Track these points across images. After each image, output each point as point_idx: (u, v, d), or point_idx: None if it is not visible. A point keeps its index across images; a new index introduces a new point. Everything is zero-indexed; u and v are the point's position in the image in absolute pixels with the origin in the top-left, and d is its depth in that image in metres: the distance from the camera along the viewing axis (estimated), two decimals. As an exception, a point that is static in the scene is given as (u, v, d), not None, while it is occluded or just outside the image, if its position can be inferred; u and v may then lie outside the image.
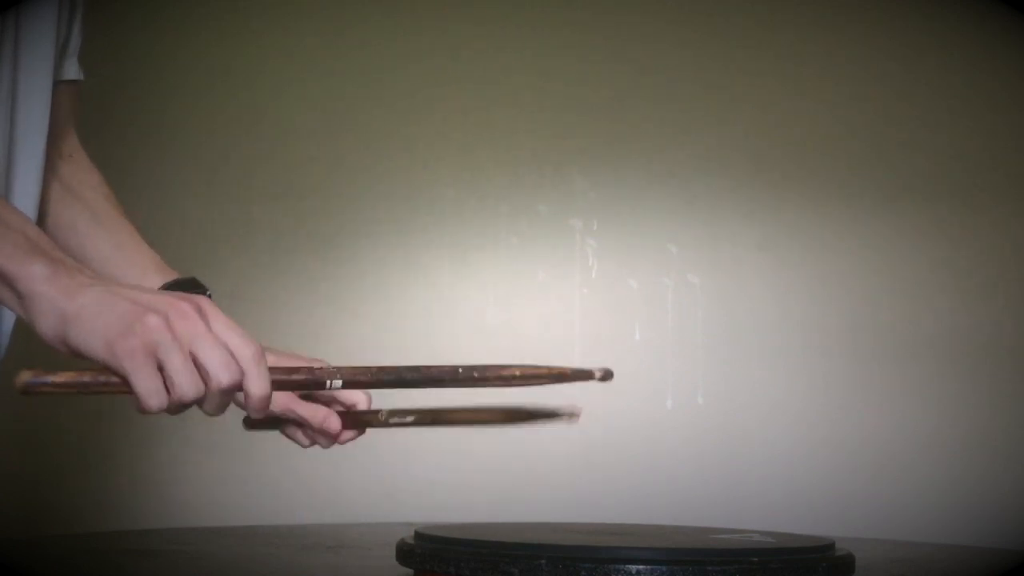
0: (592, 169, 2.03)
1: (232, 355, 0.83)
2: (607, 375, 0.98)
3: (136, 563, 1.20)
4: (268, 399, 0.85)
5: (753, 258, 2.00)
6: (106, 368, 0.83)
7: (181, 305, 0.83)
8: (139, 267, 1.14)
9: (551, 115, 2.03)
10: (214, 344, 0.82)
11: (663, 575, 0.95)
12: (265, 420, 1.09)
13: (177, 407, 0.83)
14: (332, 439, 1.07)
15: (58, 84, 1.14)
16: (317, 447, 1.09)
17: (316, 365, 1.01)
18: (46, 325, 0.83)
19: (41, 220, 1.13)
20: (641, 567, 0.95)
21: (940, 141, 1.99)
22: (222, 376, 0.82)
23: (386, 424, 1.05)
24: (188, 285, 1.12)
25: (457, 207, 2.03)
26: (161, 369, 0.81)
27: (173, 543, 1.32)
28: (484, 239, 2.02)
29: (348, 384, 0.93)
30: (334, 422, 1.06)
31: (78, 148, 1.21)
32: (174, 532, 1.46)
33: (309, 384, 0.92)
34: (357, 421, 1.07)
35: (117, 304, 0.83)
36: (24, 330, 1.09)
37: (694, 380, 1.99)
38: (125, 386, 0.82)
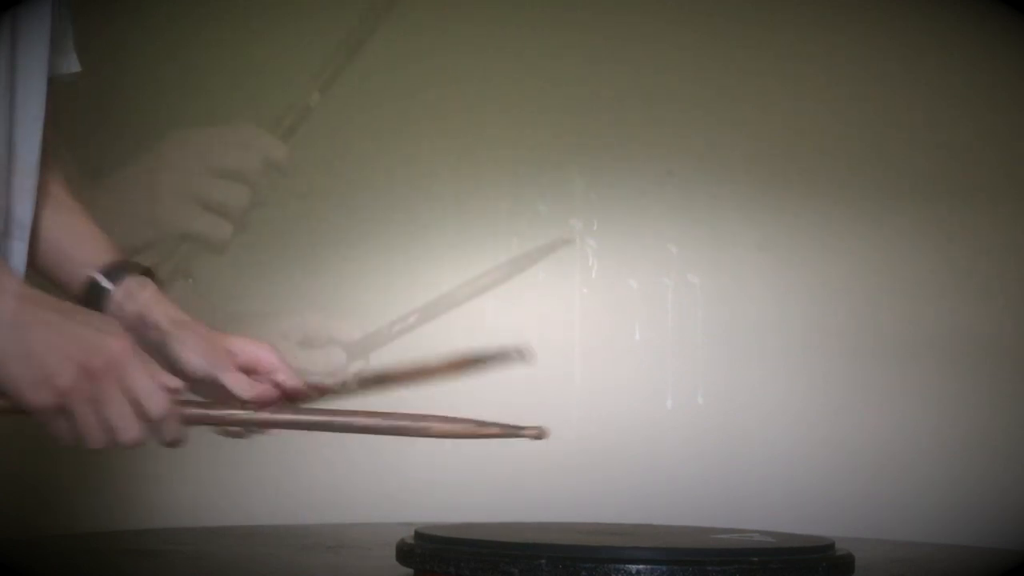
0: (592, 169, 2.03)
1: (141, 410, 0.85)
2: (541, 434, 0.97)
3: (135, 563, 1.20)
4: (180, 444, 0.88)
5: (753, 258, 2.00)
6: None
7: (95, 360, 0.83)
8: (88, 247, 1.14)
9: (551, 115, 2.03)
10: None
11: (663, 575, 0.95)
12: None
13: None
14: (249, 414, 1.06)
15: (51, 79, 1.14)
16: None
17: (262, 347, 1.04)
18: None
19: None
20: (641, 567, 0.95)
21: (940, 141, 1.99)
22: (128, 432, 0.85)
23: (333, 391, 1.05)
24: (131, 267, 1.12)
25: (457, 207, 2.02)
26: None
27: (173, 543, 1.32)
28: (484, 239, 2.02)
29: (265, 424, 0.94)
30: (249, 386, 1.06)
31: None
32: (174, 532, 1.46)
33: (227, 421, 0.93)
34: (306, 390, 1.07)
35: (32, 341, 0.83)
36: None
37: (694, 380, 1.99)
38: (12, 407, 0.84)
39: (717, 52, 2.03)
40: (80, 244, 1.15)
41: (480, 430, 0.95)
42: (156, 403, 0.86)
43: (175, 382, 0.89)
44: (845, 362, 1.97)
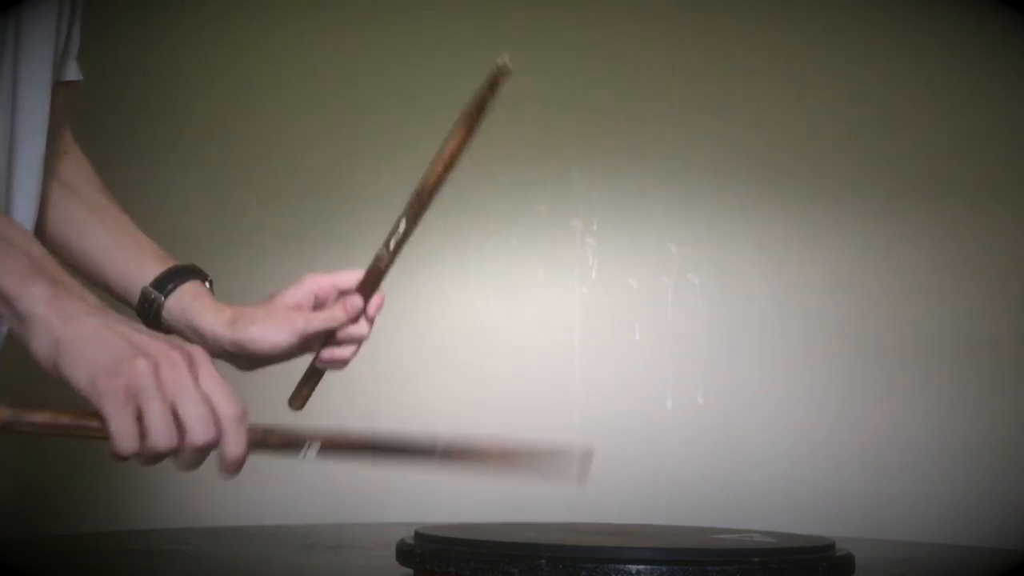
0: (592, 169, 2.03)
1: (214, 413, 0.81)
2: (586, 460, 0.93)
3: (136, 563, 1.20)
4: (242, 462, 0.83)
5: (753, 258, 2.00)
6: (85, 412, 0.82)
7: (172, 354, 0.82)
8: (138, 256, 1.14)
9: (551, 115, 2.03)
10: (197, 399, 0.81)
11: (663, 575, 0.95)
12: (304, 379, 1.13)
13: (149, 457, 0.81)
14: (363, 319, 1.12)
15: (55, 84, 1.14)
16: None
17: (304, 281, 1.10)
18: (40, 348, 0.83)
19: (42, 218, 1.13)
20: (641, 567, 0.95)
21: (940, 141, 1.99)
22: (199, 433, 0.81)
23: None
24: (188, 271, 1.12)
25: (457, 207, 2.02)
26: (140, 416, 0.80)
27: (173, 543, 1.32)
28: (484, 239, 2.02)
29: (325, 448, 0.91)
30: (356, 300, 1.13)
31: (72, 144, 1.21)
32: (174, 532, 1.46)
33: (285, 448, 0.90)
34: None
35: (110, 340, 0.82)
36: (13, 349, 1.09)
37: (694, 380, 1.99)
38: (102, 431, 0.81)
39: (718, 52, 2.03)
40: (130, 252, 1.14)
41: (533, 456, 0.92)
42: (231, 405, 0.82)
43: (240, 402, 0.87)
44: (845, 362, 1.97)
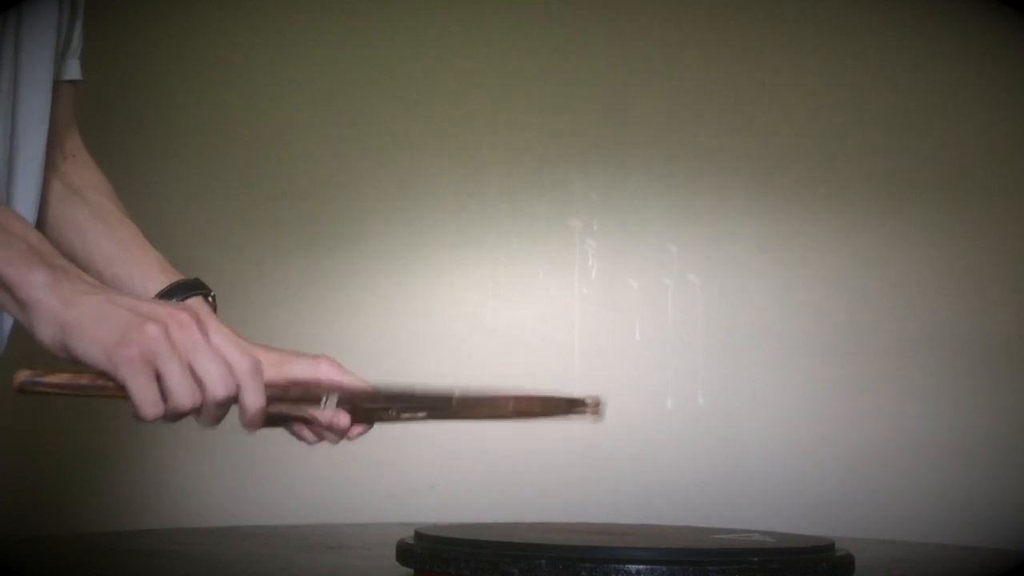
0: (592, 169, 2.03)
1: (229, 367, 0.83)
2: (598, 406, 0.96)
3: (136, 563, 1.20)
4: (263, 413, 0.85)
5: (753, 258, 2.00)
6: (103, 373, 0.83)
7: (180, 315, 0.83)
8: (143, 267, 1.13)
9: (551, 115, 2.03)
10: (211, 356, 0.83)
11: (663, 575, 0.95)
12: (272, 418, 1.09)
13: (173, 416, 0.83)
14: (341, 435, 1.07)
15: (59, 84, 1.14)
16: (322, 444, 1.09)
17: (320, 363, 1.02)
18: (45, 333, 0.84)
19: (44, 220, 1.13)
20: (641, 567, 0.95)
21: (940, 141, 1.99)
22: (218, 388, 0.83)
23: (397, 419, 1.04)
24: (192, 286, 1.12)
25: (457, 207, 2.03)
26: (159, 379, 0.82)
27: (173, 543, 1.32)
28: (484, 239, 2.02)
29: (343, 402, 0.93)
30: (342, 418, 1.05)
31: (80, 148, 1.21)
32: (174, 532, 1.46)
33: (305, 399, 0.92)
34: (366, 416, 1.06)
35: (116, 313, 0.83)
36: (24, 329, 1.09)
37: (694, 380, 1.99)
38: (120, 391, 0.83)
39: (718, 52, 2.03)
40: (135, 261, 1.13)
41: (549, 404, 0.95)
42: (244, 358, 0.84)
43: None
44: (845, 362, 1.97)
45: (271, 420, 1.09)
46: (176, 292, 1.11)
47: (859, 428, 1.95)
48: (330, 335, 1.94)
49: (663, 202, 2.02)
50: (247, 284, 1.96)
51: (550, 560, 0.96)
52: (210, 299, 1.13)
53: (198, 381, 0.82)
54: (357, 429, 1.06)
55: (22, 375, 0.84)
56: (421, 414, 1.03)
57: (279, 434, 1.10)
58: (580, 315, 2.01)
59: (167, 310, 0.84)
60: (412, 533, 1.09)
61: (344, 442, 1.08)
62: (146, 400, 0.81)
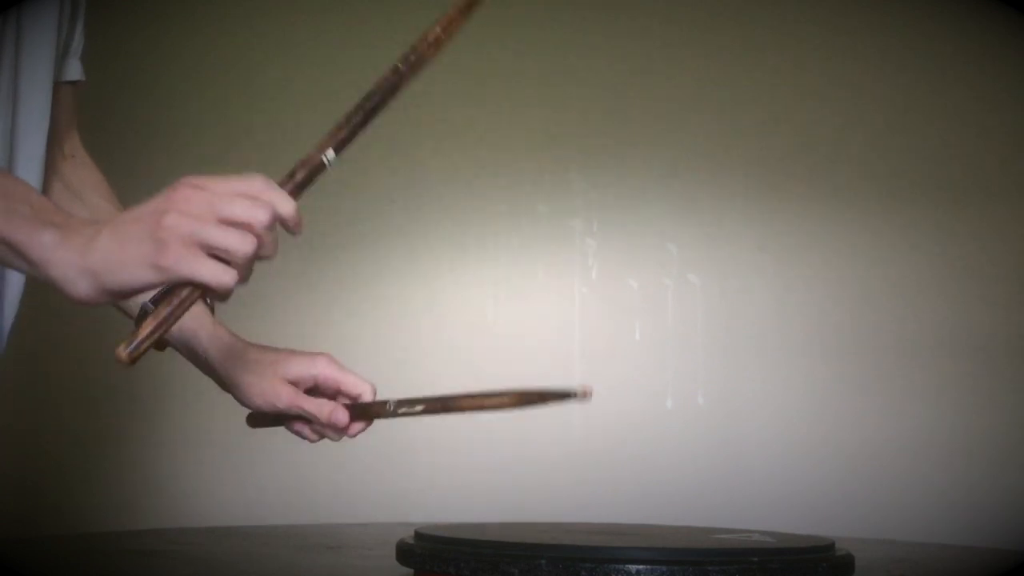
0: (592, 169, 2.03)
1: (249, 196, 0.85)
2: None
3: (136, 563, 1.20)
4: (298, 214, 0.89)
5: (753, 258, 2.00)
6: (165, 291, 0.85)
7: (179, 192, 0.84)
8: None
9: (551, 115, 2.03)
10: (230, 200, 0.84)
11: (663, 575, 0.95)
12: (270, 417, 1.09)
13: (245, 269, 0.85)
14: (341, 432, 1.07)
15: (59, 85, 1.14)
16: (324, 443, 1.09)
17: (318, 360, 1.05)
18: (79, 287, 0.84)
19: None
20: (641, 567, 0.95)
21: (940, 141, 1.99)
22: (259, 216, 0.84)
23: (395, 414, 1.04)
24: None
25: (457, 207, 2.03)
26: (209, 253, 0.83)
27: (173, 543, 1.32)
28: (484, 239, 2.02)
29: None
30: (341, 415, 1.05)
31: (79, 148, 1.21)
32: (174, 532, 1.46)
33: (307, 180, 0.96)
34: (365, 412, 1.07)
35: (131, 230, 0.83)
36: (23, 327, 1.09)
37: (694, 380, 1.99)
38: (193, 289, 0.84)
39: (718, 53, 2.03)
40: None
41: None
42: (251, 182, 0.86)
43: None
44: (845, 362, 1.97)
45: (272, 419, 1.10)
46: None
47: (859, 428, 1.95)
48: (330, 335, 1.94)
49: (663, 202, 2.02)
50: (246, 285, 1.95)
51: (550, 560, 0.95)
52: (208, 302, 1.13)
53: (239, 225, 0.83)
54: (357, 426, 1.07)
55: (122, 350, 0.84)
56: (418, 408, 1.04)
57: (279, 434, 1.11)
58: (580, 315, 2.02)
59: (164, 197, 0.84)
60: (412, 533, 1.09)
61: (344, 442, 1.09)
62: (217, 274, 0.83)
